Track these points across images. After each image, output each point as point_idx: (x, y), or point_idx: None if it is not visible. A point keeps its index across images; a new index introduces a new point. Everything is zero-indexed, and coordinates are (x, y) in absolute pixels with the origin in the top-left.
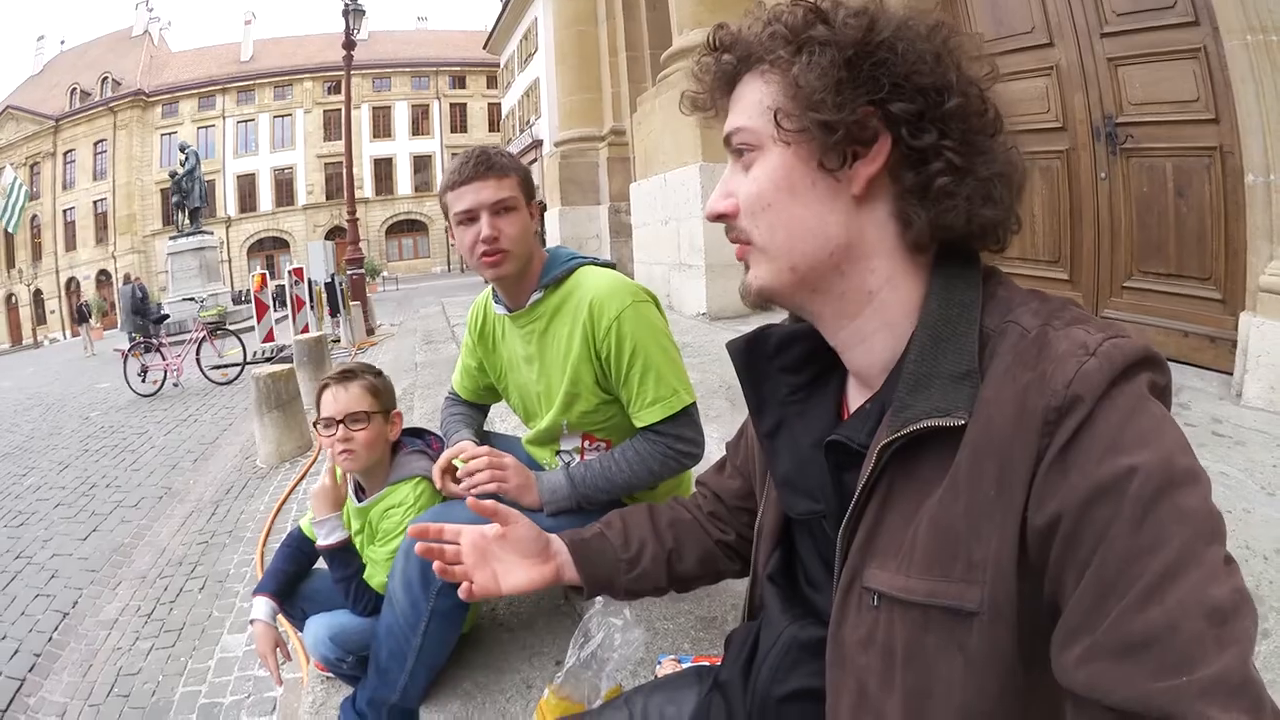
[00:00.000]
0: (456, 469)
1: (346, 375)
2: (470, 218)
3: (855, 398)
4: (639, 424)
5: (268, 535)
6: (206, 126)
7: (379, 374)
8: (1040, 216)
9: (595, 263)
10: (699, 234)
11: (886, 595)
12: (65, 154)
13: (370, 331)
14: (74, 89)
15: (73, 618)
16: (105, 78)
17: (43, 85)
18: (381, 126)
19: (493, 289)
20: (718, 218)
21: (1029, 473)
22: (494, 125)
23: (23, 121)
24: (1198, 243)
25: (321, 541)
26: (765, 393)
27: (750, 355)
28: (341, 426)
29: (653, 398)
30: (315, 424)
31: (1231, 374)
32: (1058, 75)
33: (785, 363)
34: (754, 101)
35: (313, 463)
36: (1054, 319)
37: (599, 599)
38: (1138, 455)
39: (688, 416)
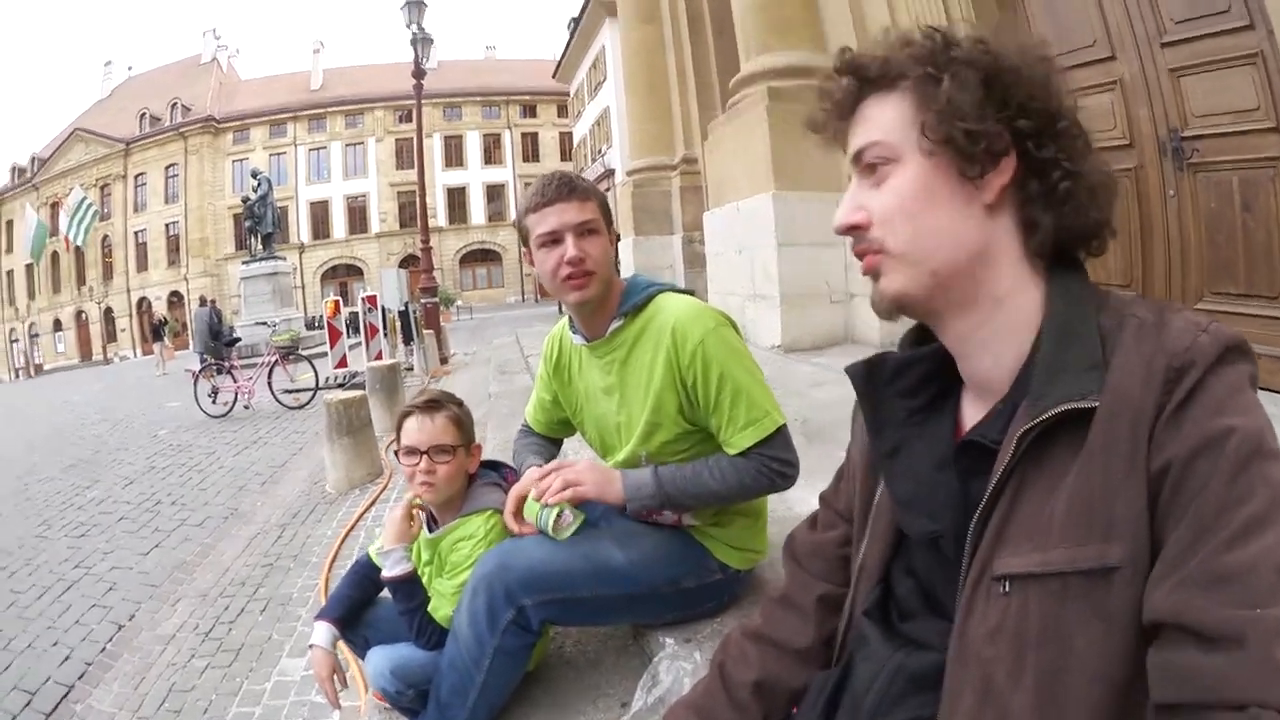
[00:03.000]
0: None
1: (433, 405)
2: (554, 239)
3: (971, 414)
4: (732, 450)
5: (334, 561)
6: (278, 153)
7: (461, 404)
8: None
9: (674, 290)
10: (773, 264)
11: (1019, 576)
12: (136, 177)
13: (444, 360)
14: (144, 114)
15: (129, 630)
16: (175, 103)
17: (111, 110)
18: (454, 156)
19: (568, 320)
20: (849, 230)
21: (1151, 424)
22: (565, 154)
23: (92, 144)
24: (1265, 259)
25: (387, 573)
26: (884, 415)
27: (870, 378)
28: (425, 458)
29: (745, 421)
30: (396, 451)
31: None
32: (1122, 89)
33: (902, 387)
34: (891, 117)
35: (383, 490)
36: (1167, 310)
37: (669, 640)
38: (1239, 420)
39: (782, 437)
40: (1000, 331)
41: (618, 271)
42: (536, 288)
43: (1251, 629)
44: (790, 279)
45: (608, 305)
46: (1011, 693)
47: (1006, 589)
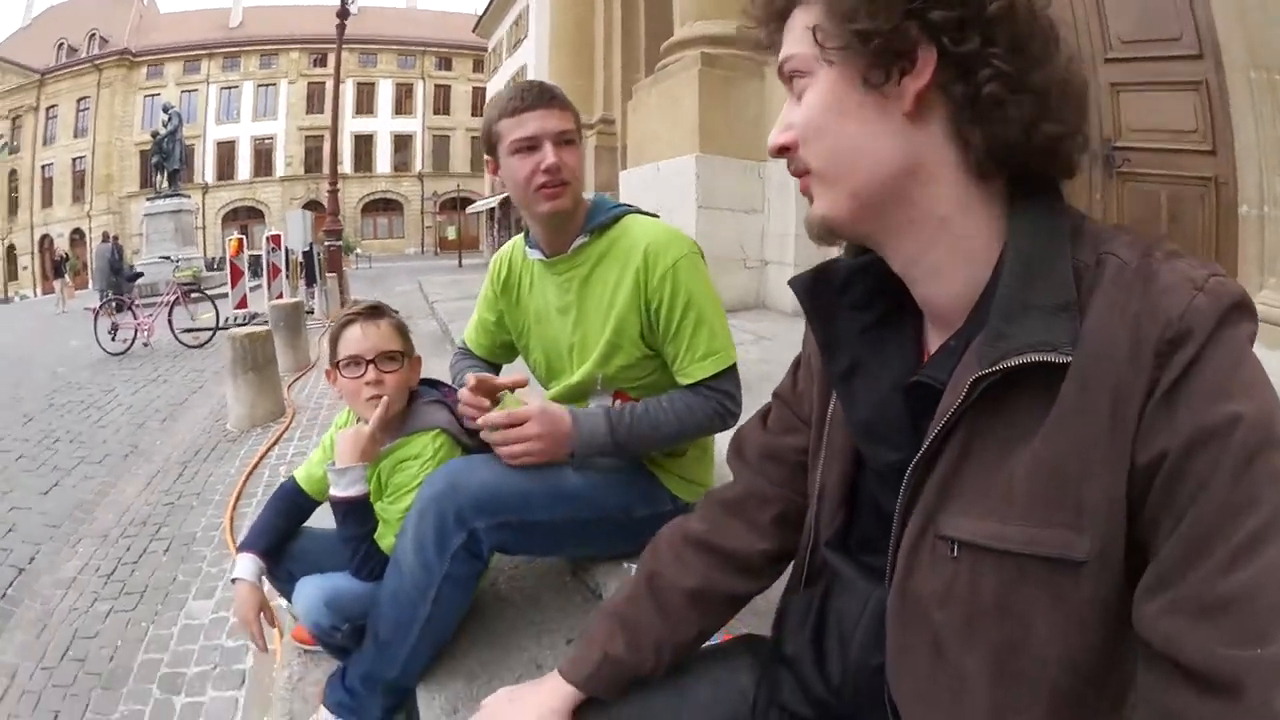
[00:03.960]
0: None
1: (375, 311)
2: (531, 146)
3: (934, 339)
4: (686, 380)
5: (237, 500)
6: (190, 90)
7: (397, 312)
8: None
9: (642, 213)
10: (691, 225)
11: (971, 544)
12: (48, 109)
13: (345, 305)
14: (61, 43)
15: (29, 574)
16: (93, 34)
17: (31, 38)
18: (365, 103)
19: (524, 235)
20: (779, 151)
21: (1140, 406)
22: (477, 109)
23: (8, 73)
24: None
25: (340, 493)
26: (836, 330)
27: (816, 290)
28: (372, 367)
29: (705, 351)
30: (335, 364)
31: None
32: None
33: (854, 298)
34: (800, 26)
35: (285, 429)
36: (1153, 250)
37: (632, 566)
38: (1244, 404)
39: (734, 374)
40: (950, 255)
41: None
42: (437, 240)
43: (1249, 674)
44: (707, 241)
45: (574, 221)
46: (964, 657)
47: (955, 552)
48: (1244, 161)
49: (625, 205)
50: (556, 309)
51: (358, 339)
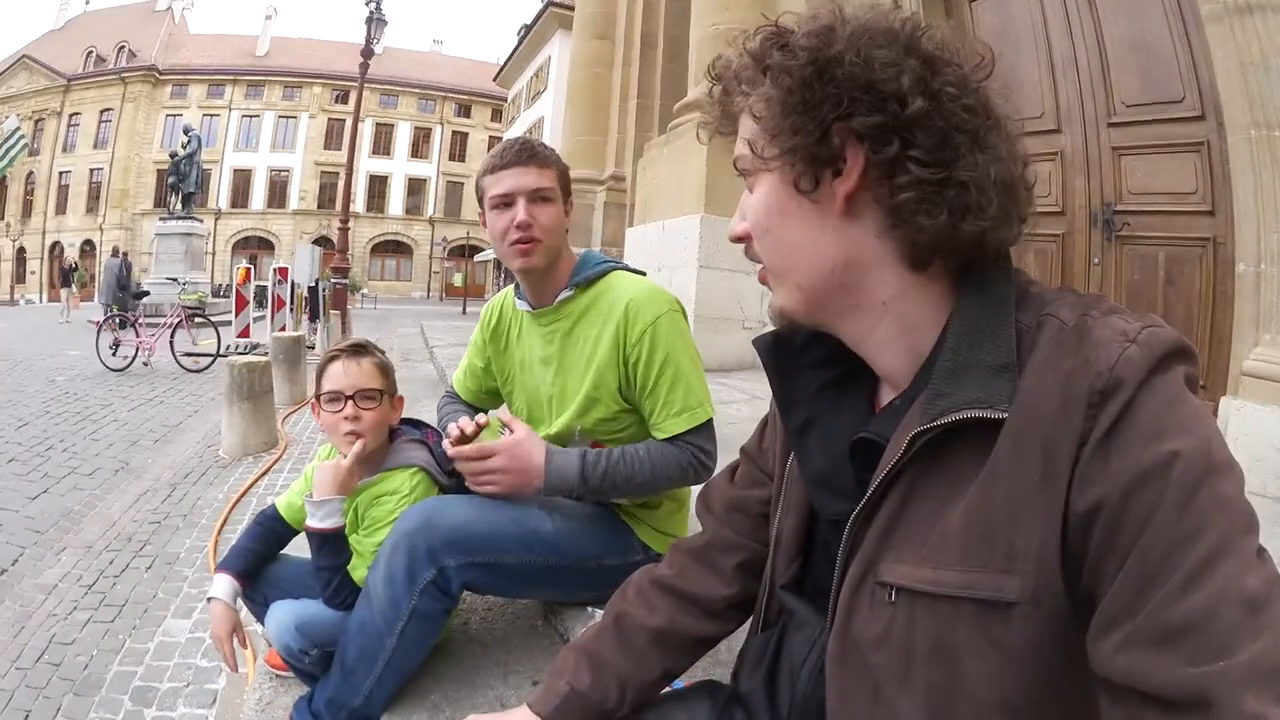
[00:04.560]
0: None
1: (359, 350)
2: (506, 202)
3: (886, 398)
4: (661, 435)
5: (223, 525)
6: (212, 115)
7: (384, 352)
8: None
9: (628, 269)
10: (692, 284)
11: (908, 590)
12: (70, 116)
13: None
14: (90, 52)
15: (10, 576)
16: (122, 47)
17: (61, 41)
18: (382, 144)
19: (515, 285)
20: (738, 239)
21: (1073, 456)
22: None
23: (35, 74)
24: (1185, 330)
25: (316, 524)
26: (795, 388)
27: (778, 350)
28: (350, 403)
29: (680, 407)
30: (317, 398)
31: None
32: (1061, 161)
33: (814, 358)
34: (744, 130)
35: (276, 460)
36: (1091, 310)
37: (599, 612)
38: (1180, 441)
39: (709, 429)
40: (896, 331)
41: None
42: (443, 286)
43: (1216, 686)
44: (707, 301)
45: (556, 274)
46: (900, 698)
47: (892, 598)
48: (1242, 220)
49: (612, 261)
50: (540, 359)
51: (339, 375)
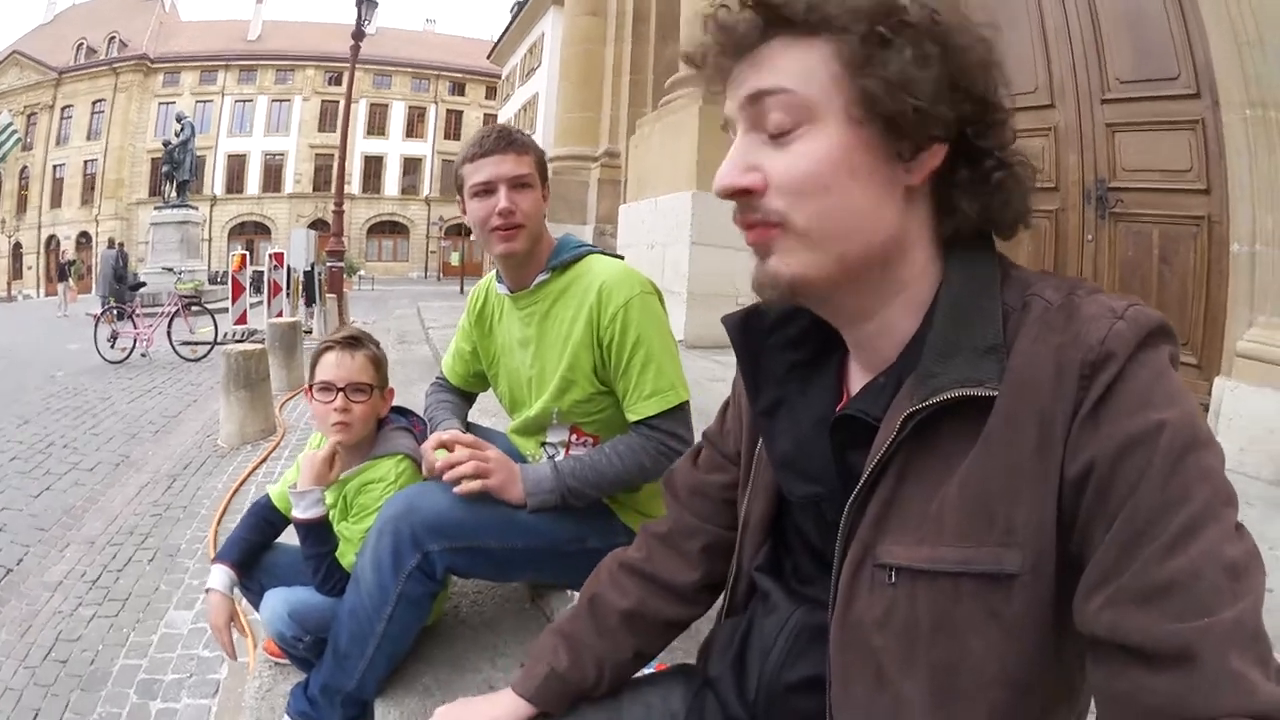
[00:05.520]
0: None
1: (353, 342)
2: (487, 190)
3: (858, 378)
4: (633, 417)
5: (223, 515)
6: (205, 101)
7: (378, 345)
8: None
9: (605, 253)
10: (684, 261)
11: (907, 569)
12: (63, 109)
13: (342, 326)
14: (81, 44)
15: (16, 575)
16: (113, 37)
17: (51, 35)
18: (377, 124)
19: (496, 271)
20: (736, 193)
21: (1067, 426)
22: None
23: (26, 69)
24: (1179, 309)
25: (300, 514)
26: (763, 369)
27: (747, 329)
28: (341, 395)
29: (651, 390)
30: (310, 386)
31: None
32: (1055, 136)
33: (784, 338)
34: (810, 68)
35: (274, 448)
36: (1076, 290)
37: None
38: (1167, 412)
39: (682, 414)
40: (900, 311)
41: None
42: (440, 265)
43: (1201, 640)
44: (699, 277)
45: (535, 259)
46: (903, 682)
47: (893, 579)
48: (1237, 199)
49: (588, 245)
50: (519, 342)
51: (332, 366)
